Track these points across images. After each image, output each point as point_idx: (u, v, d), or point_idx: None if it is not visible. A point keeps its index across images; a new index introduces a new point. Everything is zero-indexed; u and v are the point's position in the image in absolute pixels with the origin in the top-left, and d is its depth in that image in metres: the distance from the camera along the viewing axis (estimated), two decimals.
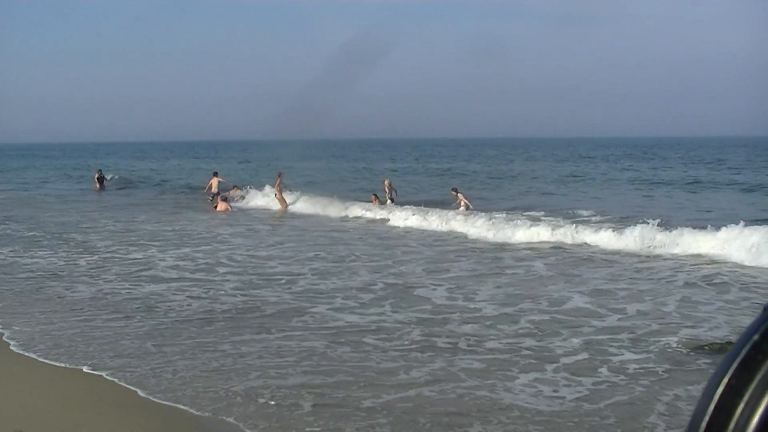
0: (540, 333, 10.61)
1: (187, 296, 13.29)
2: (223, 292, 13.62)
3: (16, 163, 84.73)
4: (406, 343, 10.17)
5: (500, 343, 10.12)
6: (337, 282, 14.54)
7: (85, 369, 9.06)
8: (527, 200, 32.96)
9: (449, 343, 10.15)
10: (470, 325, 11.11)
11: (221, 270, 15.89)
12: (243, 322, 11.33)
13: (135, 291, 13.76)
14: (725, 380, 0.56)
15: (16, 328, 11.07)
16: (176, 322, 11.48)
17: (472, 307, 12.28)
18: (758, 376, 0.56)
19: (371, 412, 7.59)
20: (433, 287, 14.01)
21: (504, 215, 23.89)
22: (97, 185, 40.94)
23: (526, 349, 9.83)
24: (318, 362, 9.30)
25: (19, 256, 17.98)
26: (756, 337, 0.57)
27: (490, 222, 22.16)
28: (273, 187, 30.80)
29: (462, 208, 27.21)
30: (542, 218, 23.80)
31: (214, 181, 32.17)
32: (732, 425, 0.56)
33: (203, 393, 8.21)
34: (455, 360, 9.35)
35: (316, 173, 52.72)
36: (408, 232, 22.86)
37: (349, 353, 9.67)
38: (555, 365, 9.11)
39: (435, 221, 23.72)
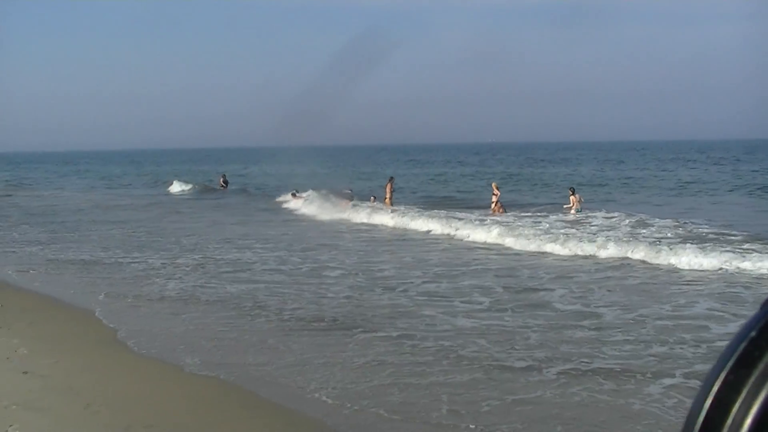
0: None
1: (301, 297, 13.36)
2: (332, 295, 13.63)
3: (116, 169, 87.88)
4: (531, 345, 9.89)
5: (624, 351, 9.68)
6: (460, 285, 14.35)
7: (203, 370, 9.14)
8: (673, 208, 30.27)
9: (573, 348, 9.79)
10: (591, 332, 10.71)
11: (332, 273, 15.94)
12: (359, 323, 11.26)
13: (253, 291, 13.91)
14: (722, 376, 0.56)
15: (132, 328, 11.33)
16: (292, 322, 11.52)
17: (589, 311, 11.87)
18: (755, 373, 0.56)
19: (500, 414, 7.34)
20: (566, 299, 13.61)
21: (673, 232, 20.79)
22: (223, 186, 47.21)
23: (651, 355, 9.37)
24: (453, 362, 9.15)
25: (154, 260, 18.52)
26: (753, 333, 0.57)
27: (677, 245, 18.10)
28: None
29: (573, 210, 27.14)
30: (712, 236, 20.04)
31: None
32: (729, 421, 0.55)
33: (332, 392, 8.14)
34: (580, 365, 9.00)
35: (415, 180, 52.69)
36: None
37: (474, 353, 9.48)
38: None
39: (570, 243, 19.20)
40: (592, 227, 23.10)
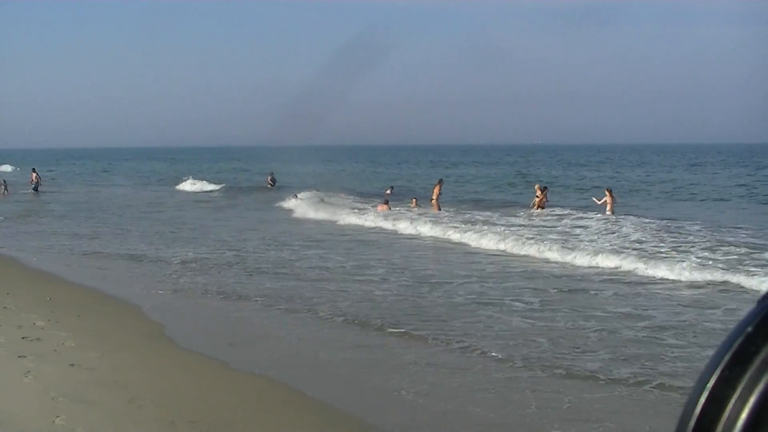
0: None
1: (346, 297, 13.22)
2: (380, 293, 13.47)
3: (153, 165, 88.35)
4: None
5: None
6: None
7: (250, 367, 9.05)
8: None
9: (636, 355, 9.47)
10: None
11: (380, 270, 15.79)
12: (412, 323, 11.08)
13: (297, 289, 13.83)
14: (718, 372, 0.56)
15: (178, 324, 11.31)
16: (337, 322, 11.39)
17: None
18: (751, 368, 0.55)
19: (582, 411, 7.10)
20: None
21: None
22: (271, 184, 47.15)
23: None
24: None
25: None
26: (749, 328, 0.56)
27: None
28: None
29: (608, 211, 27.04)
30: None
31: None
32: (724, 417, 0.55)
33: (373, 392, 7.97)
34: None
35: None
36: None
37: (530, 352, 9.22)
38: None
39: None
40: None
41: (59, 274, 15.66)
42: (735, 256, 16.92)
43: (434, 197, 30.98)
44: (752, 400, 0.55)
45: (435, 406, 7.71)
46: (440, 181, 32.48)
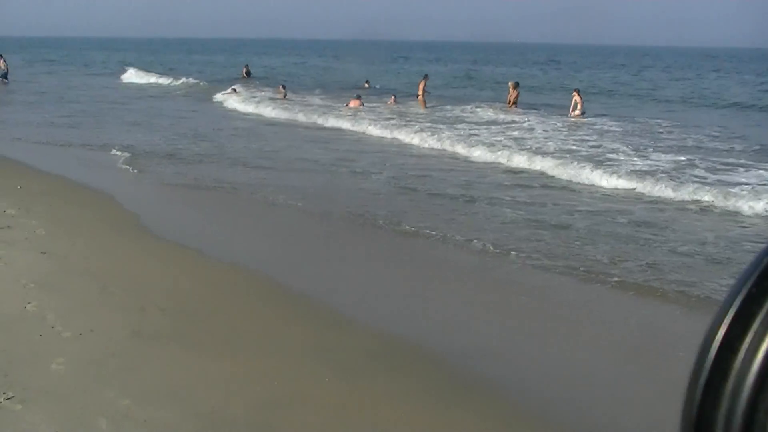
0: None
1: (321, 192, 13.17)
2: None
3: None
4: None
5: None
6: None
7: (227, 257, 9.04)
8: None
9: None
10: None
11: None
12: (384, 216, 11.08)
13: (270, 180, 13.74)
14: (745, 289, 0.56)
15: (152, 213, 11.23)
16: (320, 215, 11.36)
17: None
18: (763, 312, 0.55)
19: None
20: None
21: None
22: (245, 76, 45.91)
23: None
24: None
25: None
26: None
27: None
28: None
29: (578, 112, 26.90)
30: None
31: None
32: (750, 333, 0.55)
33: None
34: None
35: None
36: None
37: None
38: None
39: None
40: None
41: (31, 163, 15.39)
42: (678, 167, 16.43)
43: (420, 93, 30.43)
44: (765, 344, 0.55)
45: (401, 291, 7.76)
46: (425, 77, 31.60)
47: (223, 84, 40.16)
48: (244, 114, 27.98)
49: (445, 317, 7.33)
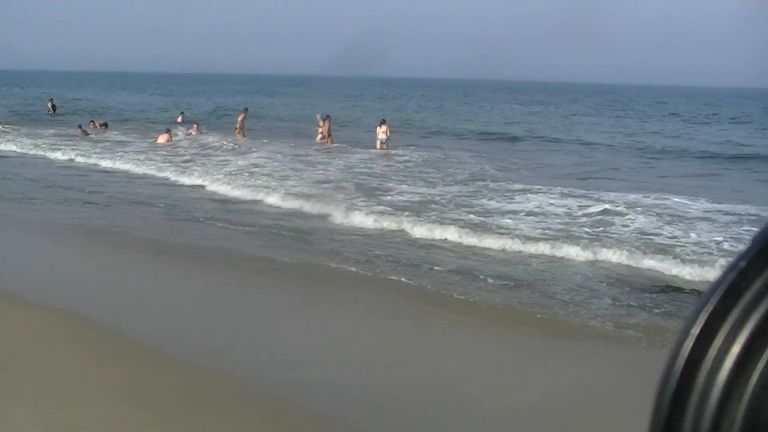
0: None
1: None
2: None
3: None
4: None
5: None
6: None
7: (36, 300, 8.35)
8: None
9: None
10: None
11: None
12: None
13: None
14: (710, 306, 0.58)
15: None
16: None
17: None
18: (741, 303, 0.57)
19: None
20: None
21: None
22: (51, 111, 43.75)
23: None
24: None
25: None
26: (742, 264, 0.58)
27: None
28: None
29: (378, 143, 26.77)
30: None
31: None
32: (714, 349, 0.57)
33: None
34: None
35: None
36: None
37: None
38: None
39: None
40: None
41: None
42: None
43: (238, 125, 30.31)
44: (743, 332, 0.57)
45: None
46: (245, 110, 31.78)
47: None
48: None
49: (262, 350, 7.12)
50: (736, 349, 0.56)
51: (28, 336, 7.15)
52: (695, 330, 0.58)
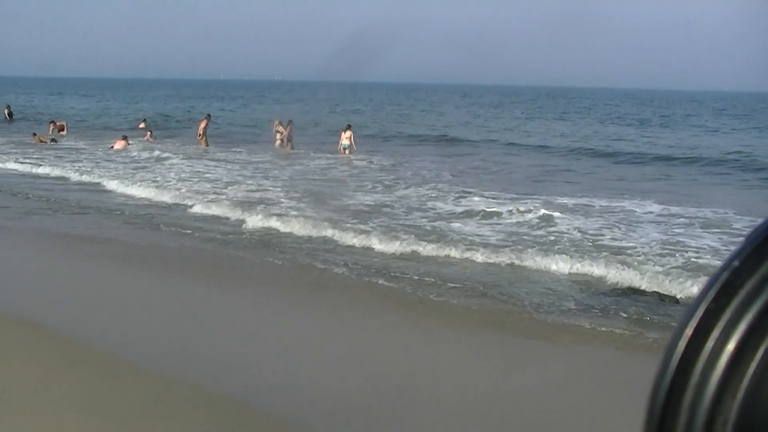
0: None
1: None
2: None
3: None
4: None
5: None
6: None
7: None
8: None
9: None
10: None
11: None
12: None
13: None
14: (704, 304, 0.58)
15: None
16: None
17: None
18: (735, 301, 0.58)
19: None
20: None
21: None
22: (7, 118, 41.68)
23: None
24: None
25: None
26: (736, 263, 0.59)
27: None
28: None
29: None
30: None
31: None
32: (708, 346, 0.57)
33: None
34: None
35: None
36: None
37: None
38: None
39: None
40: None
41: None
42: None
43: (200, 132, 29.60)
44: (737, 331, 0.57)
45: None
46: (208, 116, 31.16)
47: None
48: None
49: (222, 355, 7.07)
50: (730, 347, 0.57)
51: None
52: (689, 329, 0.58)
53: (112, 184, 18.76)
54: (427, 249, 11.85)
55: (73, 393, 5.89)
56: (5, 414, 5.52)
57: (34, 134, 30.49)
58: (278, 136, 28.62)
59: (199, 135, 29.54)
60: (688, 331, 0.58)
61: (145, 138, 30.57)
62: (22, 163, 23.12)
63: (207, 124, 29.94)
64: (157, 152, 25.95)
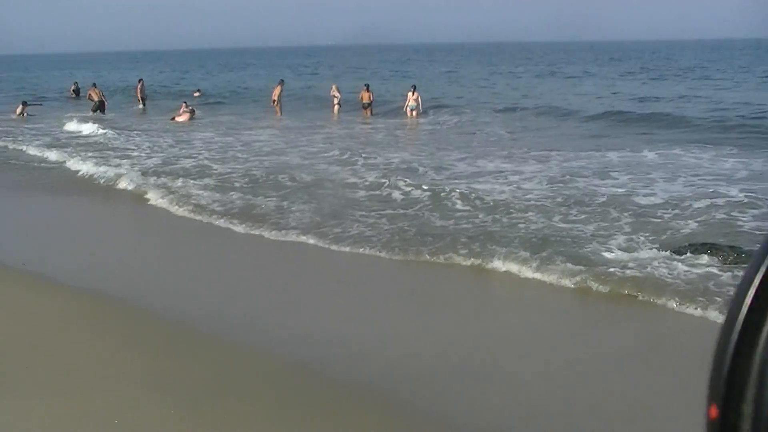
0: None
1: None
2: None
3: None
4: None
5: None
6: None
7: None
8: None
9: None
10: None
11: None
12: None
13: None
14: (763, 269, 0.57)
15: None
16: None
17: None
18: None
19: None
20: None
21: None
22: (73, 95, 39.68)
23: None
24: None
25: None
26: None
27: None
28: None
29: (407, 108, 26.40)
30: None
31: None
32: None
33: None
34: None
35: None
36: None
37: None
38: None
39: None
40: None
41: None
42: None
43: (275, 98, 29.09)
44: None
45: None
46: (281, 82, 30.42)
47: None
48: None
49: (280, 326, 6.91)
50: None
51: (43, 321, 6.91)
52: (749, 297, 0.57)
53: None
54: None
55: (141, 371, 5.75)
56: (75, 387, 5.43)
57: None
58: (335, 100, 28.62)
59: (273, 101, 29.14)
60: (748, 300, 0.57)
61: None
62: None
63: (281, 91, 29.36)
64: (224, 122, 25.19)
